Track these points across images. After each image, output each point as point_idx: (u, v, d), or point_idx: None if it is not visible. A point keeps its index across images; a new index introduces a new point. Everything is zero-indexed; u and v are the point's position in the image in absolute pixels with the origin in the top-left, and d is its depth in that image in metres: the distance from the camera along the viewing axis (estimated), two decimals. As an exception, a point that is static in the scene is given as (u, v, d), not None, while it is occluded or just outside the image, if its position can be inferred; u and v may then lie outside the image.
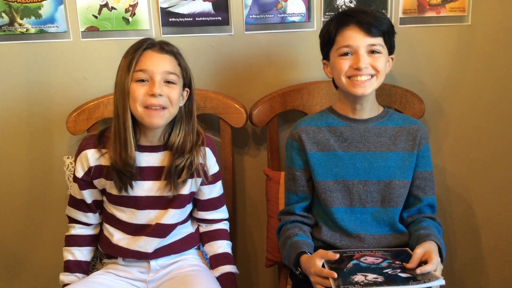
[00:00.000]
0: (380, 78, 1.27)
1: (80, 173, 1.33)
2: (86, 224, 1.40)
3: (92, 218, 1.40)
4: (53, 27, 1.59)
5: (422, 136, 1.33)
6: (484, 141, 1.65)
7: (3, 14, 1.58)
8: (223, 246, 1.41)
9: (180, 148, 1.32)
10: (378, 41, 1.25)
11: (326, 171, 1.32)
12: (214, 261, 1.39)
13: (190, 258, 1.40)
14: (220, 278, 1.35)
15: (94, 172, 1.32)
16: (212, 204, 1.42)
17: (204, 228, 1.45)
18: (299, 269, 1.24)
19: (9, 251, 1.77)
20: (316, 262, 1.17)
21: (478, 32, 1.57)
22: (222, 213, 1.45)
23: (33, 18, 1.58)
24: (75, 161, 1.36)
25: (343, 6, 1.55)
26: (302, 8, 1.56)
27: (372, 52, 1.25)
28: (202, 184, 1.38)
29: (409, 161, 1.31)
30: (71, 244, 1.39)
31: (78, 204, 1.38)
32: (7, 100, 1.65)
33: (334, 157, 1.32)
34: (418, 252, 1.16)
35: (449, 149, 1.66)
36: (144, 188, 1.33)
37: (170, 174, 1.31)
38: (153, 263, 1.36)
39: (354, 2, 1.55)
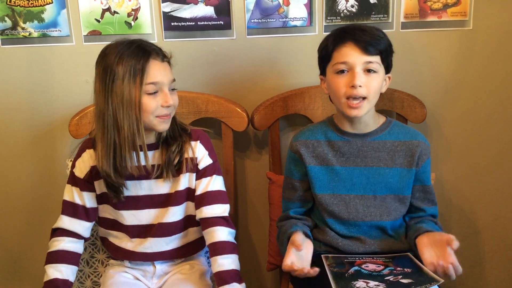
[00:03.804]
0: (373, 100, 1.25)
1: (82, 174, 1.32)
2: (78, 237, 1.33)
3: (87, 229, 1.35)
4: (56, 31, 1.59)
5: (422, 152, 1.31)
6: (486, 145, 1.65)
7: (6, 18, 1.59)
8: (225, 264, 1.27)
9: (170, 138, 1.32)
10: (375, 59, 1.23)
11: (324, 185, 1.32)
12: (218, 279, 1.25)
13: (193, 264, 1.40)
14: None
15: (96, 172, 1.30)
16: (205, 199, 1.33)
17: (207, 236, 1.32)
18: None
19: (11, 254, 1.78)
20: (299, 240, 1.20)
21: (479, 36, 1.57)
22: (217, 209, 1.33)
23: (36, 22, 1.58)
24: (73, 165, 1.35)
25: (345, 11, 1.55)
26: (303, 13, 1.57)
27: (369, 71, 1.23)
28: (196, 179, 1.36)
29: (407, 177, 1.30)
30: (59, 260, 1.29)
31: (76, 210, 1.33)
32: (10, 103, 1.65)
33: (332, 171, 1.32)
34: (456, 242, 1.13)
35: (450, 153, 1.67)
36: (142, 187, 1.32)
37: (167, 167, 1.30)
38: (158, 267, 1.37)
39: (356, 6, 1.55)
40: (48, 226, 1.73)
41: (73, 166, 1.35)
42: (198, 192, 1.34)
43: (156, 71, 1.22)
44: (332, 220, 1.33)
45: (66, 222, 1.33)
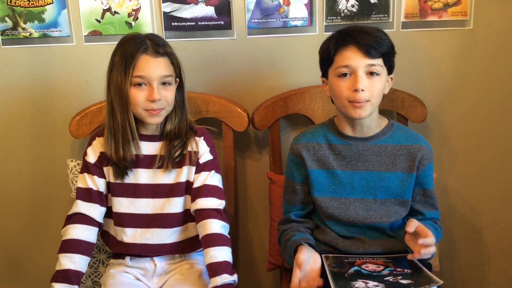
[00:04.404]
0: (376, 102, 1.24)
1: (93, 159, 1.36)
2: (93, 223, 1.33)
3: (101, 215, 1.35)
4: (56, 31, 1.59)
5: (424, 157, 1.29)
6: (486, 145, 1.65)
7: (7, 19, 1.59)
8: (217, 256, 1.27)
9: (174, 134, 1.36)
10: (378, 61, 1.22)
11: (324, 188, 1.32)
12: (210, 270, 1.27)
13: (192, 263, 1.40)
14: None
15: (105, 158, 1.35)
16: (201, 192, 1.35)
17: (200, 229, 1.32)
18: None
19: (11, 253, 1.78)
20: (302, 257, 1.19)
21: (480, 36, 1.57)
22: (212, 202, 1.34)
23: (36, 22, 1.59)
24: (85, 154, 1.38)
25: (345, 11, 1.55)
26: (304, 13, 1.57)
27: (371, 73, 1.22)
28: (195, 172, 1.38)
29: (407, 181, 1.29)
30: (74, 250, 1.28)
31: (91, 194, 1.34)
32: (11, 103, 1.66)
33: (333, 175, 1.31)
34: (413, 224, 1.15)
35: (451, 153, 1.66)
36: (143, 175, 1.35)
37: (169, 158, 1.34)
38: (159, 265, 1.38)
39: (356, 6, 1.55)
40: (48, 226, 1.74)
41: (84, 154, 1.39)
42: (195, 185, 1.36)
43: (144, 65, 1.26)
44: (332, 221, 1.33)
45: (82, 206, 1.33)
